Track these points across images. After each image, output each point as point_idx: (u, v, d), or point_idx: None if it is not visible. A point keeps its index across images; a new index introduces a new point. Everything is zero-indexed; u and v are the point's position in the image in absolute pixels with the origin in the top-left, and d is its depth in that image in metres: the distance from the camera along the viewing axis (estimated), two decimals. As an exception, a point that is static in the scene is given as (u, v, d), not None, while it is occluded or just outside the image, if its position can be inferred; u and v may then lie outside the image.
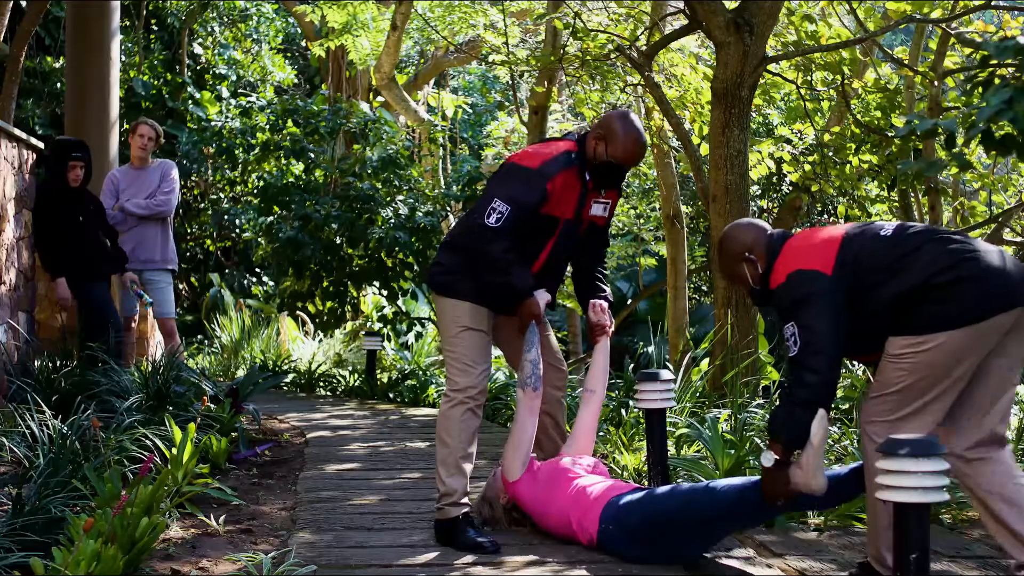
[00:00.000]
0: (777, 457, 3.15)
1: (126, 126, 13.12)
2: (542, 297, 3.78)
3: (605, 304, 4.02)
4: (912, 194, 8.32)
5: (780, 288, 3.24)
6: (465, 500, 3.73)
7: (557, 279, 3.99)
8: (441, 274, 3.88)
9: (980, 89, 3.73)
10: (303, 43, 18.39)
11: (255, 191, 12.49)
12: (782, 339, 3.24)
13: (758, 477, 3.26)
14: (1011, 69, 3.76)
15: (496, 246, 3.63)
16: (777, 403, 3.26)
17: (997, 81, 3.61)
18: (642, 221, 17.03)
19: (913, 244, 3.15)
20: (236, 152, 12.09)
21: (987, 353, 3.14)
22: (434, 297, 3.95)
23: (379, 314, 11.23)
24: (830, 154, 8.22)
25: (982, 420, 3.21)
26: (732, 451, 4.53)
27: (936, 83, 7.13)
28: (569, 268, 4.19)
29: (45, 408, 4.30)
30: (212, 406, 5.30)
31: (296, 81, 18.61)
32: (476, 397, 3.79)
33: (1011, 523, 3.16)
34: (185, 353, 7.99)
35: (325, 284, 10.79)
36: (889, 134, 7.58)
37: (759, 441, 4.95)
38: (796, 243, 3.34)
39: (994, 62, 3.66)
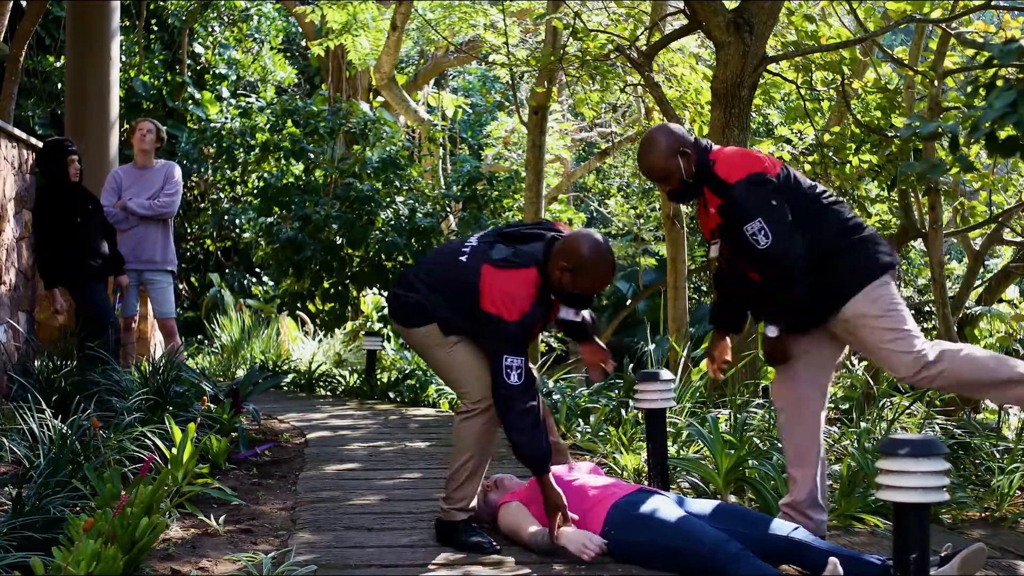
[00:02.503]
0: (778, 328, 3.58)
1: (126, 126, 13.12)
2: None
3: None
4: (912, 194, 8.32)
5: (740, 186, 3.52)
6: (472, 504, 3.71)
7: None
8: (411, 306, 3.72)
9: (983, 91, 3.73)
10: (303, 43, 18.40)
11: (255, 191, 12.49)
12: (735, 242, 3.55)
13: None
14: (1014, 71, 3.76)
15: (521, 400, 3.54)
16: (767, 289, 3.58)
17: (1000, 83, 3.60)
18: (642, 221, 17.04)
19: (820, 207, 3.63)
20: (236, 152, 12.08)
21: None
22: (404, 331, 3.79)
23: (379, 314, 11.23)
24: (830, 154, 8.22)
25: None
26: (732, 451, 4.53)
27: (936, 83, 7.13)
28: None
29: (45, 408, 4.29)
30: (212, 406, 5.30)
31: (296, 81, 18.62)
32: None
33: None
34: (185, 353, 7.99)
35: (325, 285, 10.78)
36: (889, 134, 7.58)
37: (758, 442, 4.96)
38: (737, 150, 3.74)
39: (997, 64, 3.65)
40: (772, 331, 3.60)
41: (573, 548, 3.39)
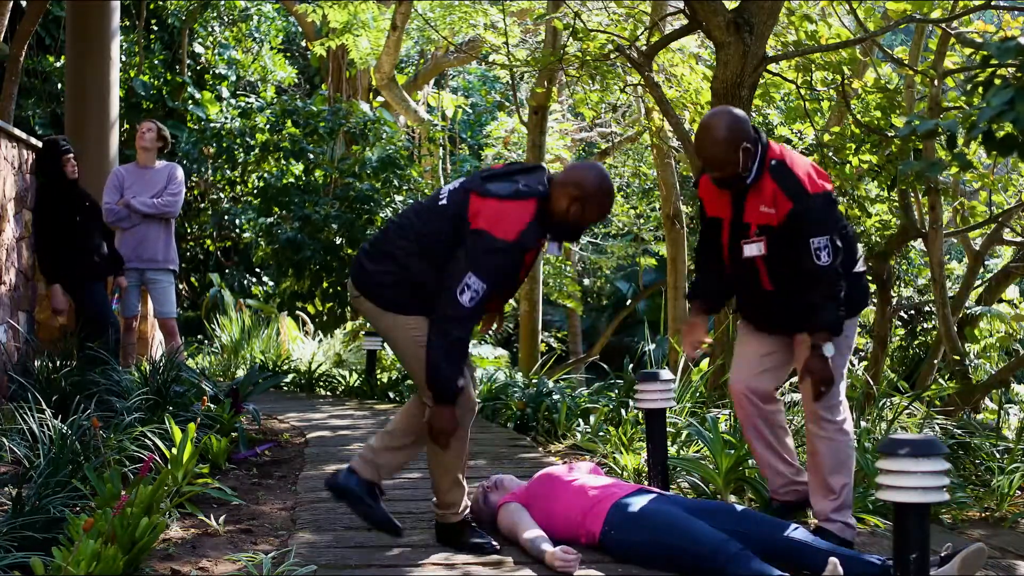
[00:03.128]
0: (831, 345, 3.57)
1: (126, 126, 13.12)
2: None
3: None
4: (912, 194, 8.32)
5: (821, 199, 3.58)
6: (464, 505, 3.67)
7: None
8: (388, 286, 3.49)
9: (981, 90, 3.73)
10: (303, 43, 18.41)
11: (255, 191, 12.50)
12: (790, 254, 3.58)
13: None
14: (1012, 70, 3.76)
15: (460, 328, 3.35)
16: (823, 307, 3.57)
17: (998, 82, 3.61)
18: (642, 221, 17.05)
19: (846, 233, 3.72)
20: (236, 152, 12.08)
21: None
22: (371, 310, 3.55)
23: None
24: (830, 154, 8.22)
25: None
26: (732, 451, 4.52)
27: (936, 83, 7.13)
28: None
29: (45, 408, 4.30)
30: (212, 406, 5.30)
31: (296, 81, 18.62)
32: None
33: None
34: (185, 353, 7.98)
35: (325, 285, 10.78)
36: (889, 134, 7.57)
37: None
38: (799, 157, 3.72)
39: (995, 62, 3.65)
40: (830, 349, 3.56)
41: (558, 566, 3.34)
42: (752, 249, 3.65)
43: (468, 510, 3.70)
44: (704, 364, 6.56)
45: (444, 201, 3.49)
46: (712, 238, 3.87)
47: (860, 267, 3.79)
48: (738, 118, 3.63)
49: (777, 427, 3.90)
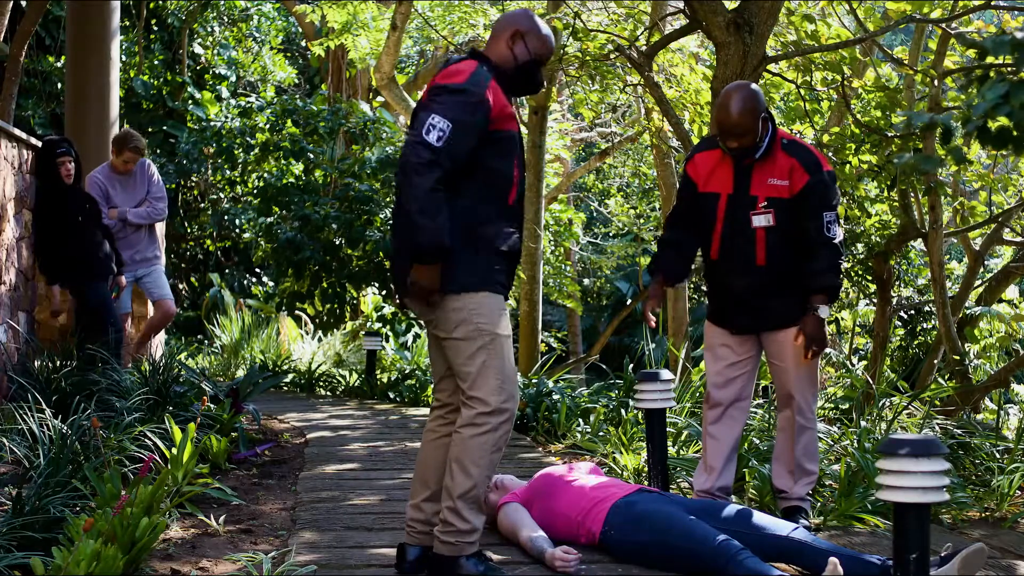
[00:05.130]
0: (828, 307, 3.85)
1: (126, 126, 13.13)
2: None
3: None
4: (912, 194, 8.32)
5: (829, 177, 3.86)
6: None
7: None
8: (464, 263, 3.13)
9: (976, 85, 3.74)
10: (303, 43, 18.41)
11: (255, 191, 12.50)
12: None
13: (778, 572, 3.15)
14: (1010, 66, 3.76)
15: (431, 174, 3.00)
16: (826, 272, 3.81)
17: (993, 75, 3.61)
18: (642, 221, 17.05)
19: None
20: (236, 152, 12.08)
21: None
22: (461, 298, 3.13)
23: (379, 314, 11.23)
24: (830, 154, 8.21)
25: None
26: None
27: (936, 83, 7.13)
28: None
29: (45, 408, 4.30)
30: (212, 406, 5.30)
31: (296, 81, 18.62)
32: (512, 418, 3.20)
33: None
34: (184, 354, 7.99)
35: (324, 284, 10.78)
36: (889, 134, 7.57)
37: (758, 442, 4.96)
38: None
39: (990, 58, 3.66)
40: (825, 312, 3.83)
41: (558, 566, 3.34)
42: (761, 220, 3.84)
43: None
44: (703, 364, 6.56)
45: (409, 140, 3.12)
46: (696, 214, 4.01)
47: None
48: (758, 91, 3.85)
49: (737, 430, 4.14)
